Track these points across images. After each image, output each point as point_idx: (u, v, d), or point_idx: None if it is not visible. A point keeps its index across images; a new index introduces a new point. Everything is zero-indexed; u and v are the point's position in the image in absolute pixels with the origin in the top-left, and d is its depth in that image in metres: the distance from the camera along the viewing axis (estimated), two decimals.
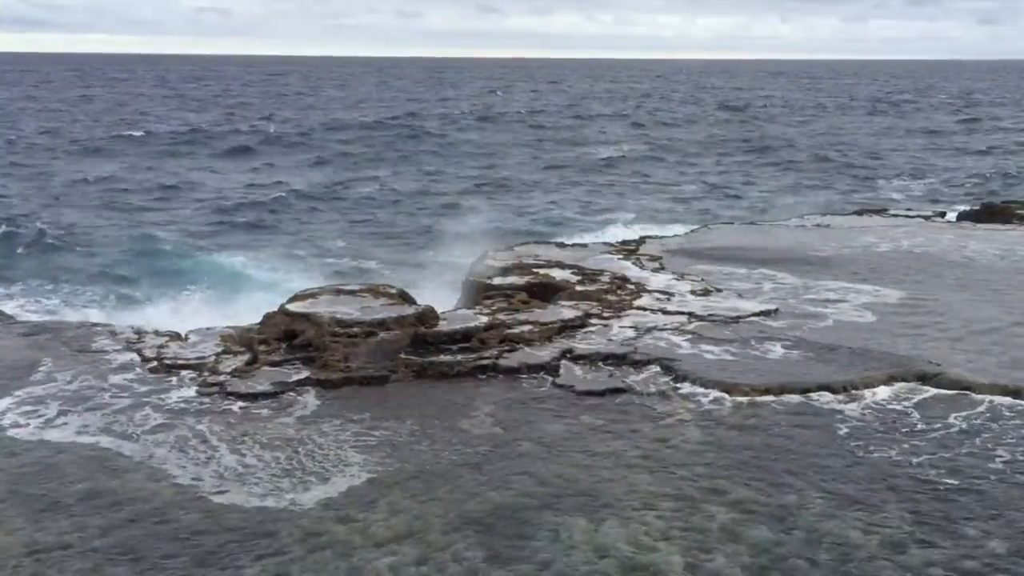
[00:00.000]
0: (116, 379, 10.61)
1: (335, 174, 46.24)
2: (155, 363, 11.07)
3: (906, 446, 8.87)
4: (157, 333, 12.32)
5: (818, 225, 20.35)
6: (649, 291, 13.89)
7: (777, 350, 11.36)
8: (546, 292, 13.96)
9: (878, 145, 62.14)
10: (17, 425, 9.38)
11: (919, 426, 9.32)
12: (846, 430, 9.24)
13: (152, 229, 31.80)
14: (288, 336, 11.51)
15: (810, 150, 58.34)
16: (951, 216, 22.64)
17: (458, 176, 46.84)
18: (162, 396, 10.15)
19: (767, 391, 10.14)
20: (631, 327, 12.14)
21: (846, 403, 9.89)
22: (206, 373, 10.71)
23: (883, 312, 12.91)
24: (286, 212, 36.61)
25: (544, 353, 11.25)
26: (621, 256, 16.62)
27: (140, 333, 12.26)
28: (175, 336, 12.19)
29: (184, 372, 10.83)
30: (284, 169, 48.13)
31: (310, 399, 10.08)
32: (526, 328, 11.88)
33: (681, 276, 14.91)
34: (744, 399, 9.98)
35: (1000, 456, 8.62)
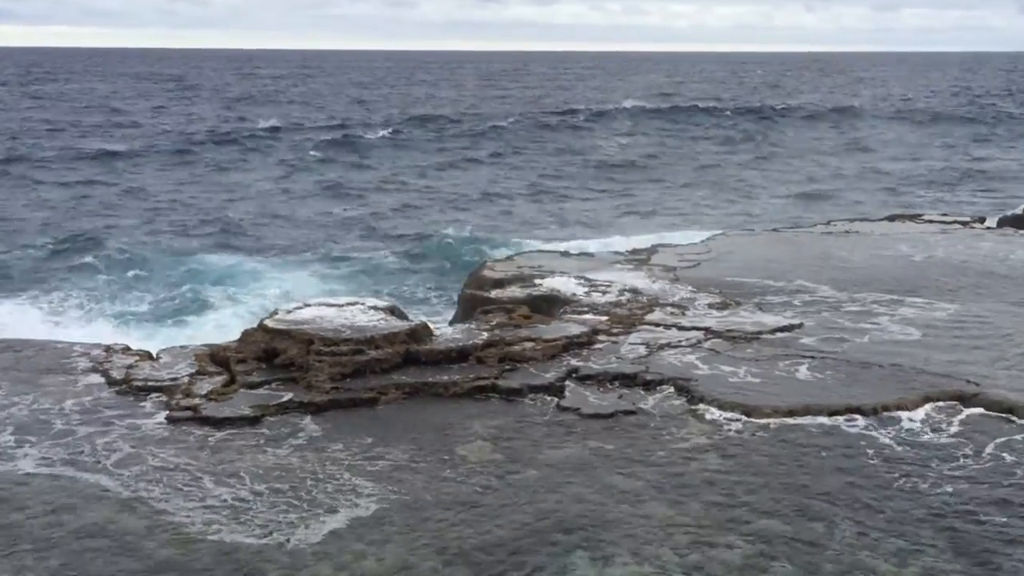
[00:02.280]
0: (80, 403, 10.67)
1: None
2: (123, 385, 11.12)
3: (943, 474, 8.94)
4: (126, 351, 12.40)
5: (847, 232, 20.45)
6: (662, 304, 13.98)
7: (804, 369, 11.42)
8: (550, 306, 14.05)
9: None
10: None
11: (957, 452, 9.39)
12: (878, 455, 9.31)
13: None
14: (268, 355, 11.58)
15: None
16: (991, 222, 22.73)
17: None
18: (131, 421, 10.21)
19: (791, 413, 10.21)
20: (642, 344, 12.22)
21: (877, 426, 9.96)
22: (179, 396, 10.77)
23: (922, 328, 12.96)
24: None
25: (548, 373, 11.32)
26: (631, 266, 16.72)
27: (108, 351, 12.33)
28: (145, 355, 12.27)
29: (155, 395, 10.90)
30: None
31: (292, 424, 10.14)
32: (528, 345, 11.96)
33: (697, 288, 15.00)
34: (766, 422, 10.05)
35: None
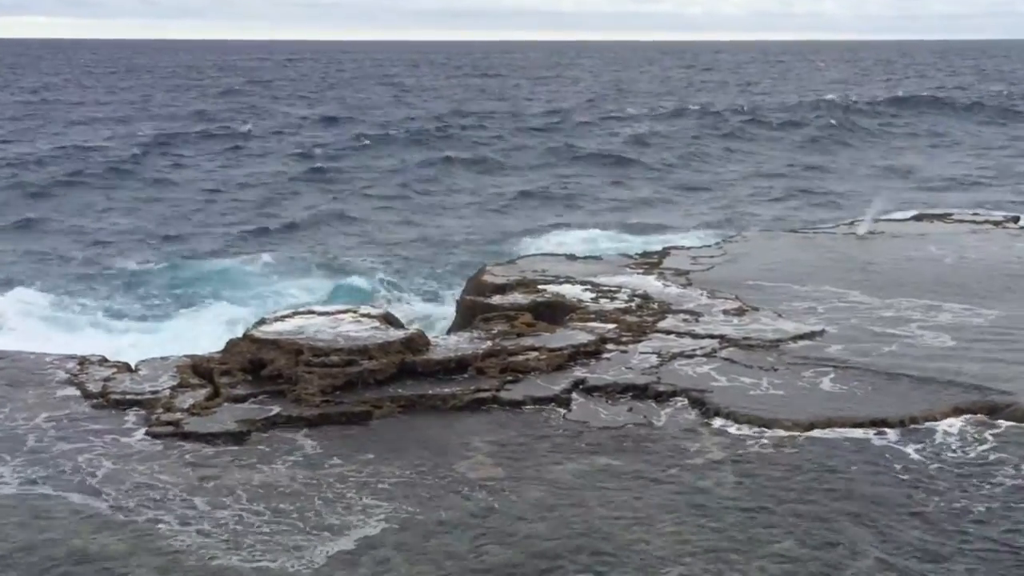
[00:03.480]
0: (56, 417, 10.66)
1: None
2: (100, 399, 11.10)
3: (974, 491, 8.90)
4: (103, 363, 12.38)
5: (871, 232, 20.42)
6: (674, 311, 13.95)
7: (826, 379, 11.39)
8: (555, 313, 14.03)
9: None
10: None
11: (989, 467, 9.35)
12: (904, 471, 9.28)
13: None
14: (254, 366, 11.56)
15: None
16: None
17: None
18: (112, 437, 10.20)
19: (812, 426, 10.17)
20: (654, 353, 12.19)
21: (906, 440, 9.91)
22: (159, 410, 10.74)
23: (954, 335, 12.90)
24: None
25: (553, 384, 11.30)
26: (642, 270, 16.70)
27: (84, 363, 12.31)
28: (124, 367, 12.25)
29: (134, 409, 10.88)
30: None
31: (283, 440, 10.12)
32: (531, 355, 11.94)
33: (712, 293, 14.97)
34: (786, 435, 10.02)
35: None
